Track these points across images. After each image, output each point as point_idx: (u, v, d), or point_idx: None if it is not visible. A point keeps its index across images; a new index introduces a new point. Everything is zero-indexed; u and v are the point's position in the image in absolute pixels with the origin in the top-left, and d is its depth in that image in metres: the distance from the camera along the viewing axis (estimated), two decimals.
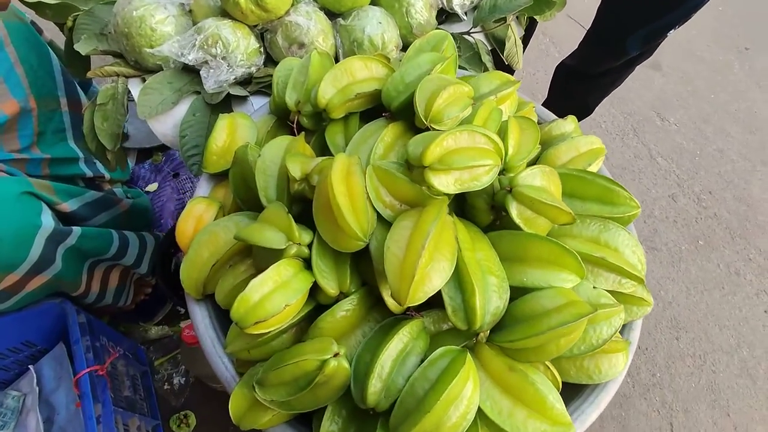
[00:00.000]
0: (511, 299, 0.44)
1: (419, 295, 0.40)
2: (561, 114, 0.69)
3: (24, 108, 0.83)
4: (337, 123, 0.58)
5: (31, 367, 0.91)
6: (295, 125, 0.60)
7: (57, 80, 0.91)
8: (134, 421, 0.87)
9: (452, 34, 0.83)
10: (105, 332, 0.93)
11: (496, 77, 0.64)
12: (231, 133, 0.63)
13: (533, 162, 0.61)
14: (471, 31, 0.86)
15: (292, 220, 0.46)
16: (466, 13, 0.86)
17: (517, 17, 0.89)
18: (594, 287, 0.48)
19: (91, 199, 0.87)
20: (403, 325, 0.44)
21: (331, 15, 0.80)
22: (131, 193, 1.15)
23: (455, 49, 0.64)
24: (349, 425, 0.45)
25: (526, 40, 1.19)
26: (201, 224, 0.56)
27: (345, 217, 0.42)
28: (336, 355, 0.42)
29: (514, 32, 0.85)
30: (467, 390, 0.40)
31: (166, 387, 1.05)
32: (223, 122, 0.63)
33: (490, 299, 0.43)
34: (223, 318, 0.54)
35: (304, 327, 0.49)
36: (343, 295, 0.47)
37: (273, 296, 0.43)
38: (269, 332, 0.45)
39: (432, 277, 0.41)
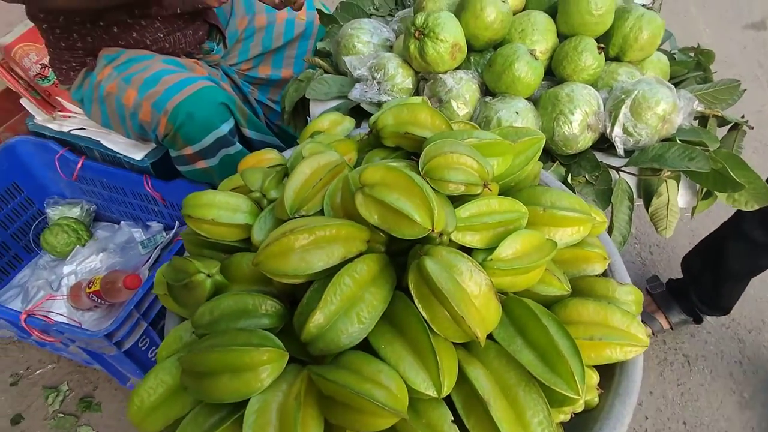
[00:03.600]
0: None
1: None
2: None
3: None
4: (384, 150, 0.63)
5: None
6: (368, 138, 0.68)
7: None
8: None
9: (600, 163, 0.77)
10: None
11: (577, 203, 0.57)
12: (332, 126, 0.75)
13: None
14: (621, 168, 0.77)
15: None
16: (626, 151, 0.77)
17: (689, 181, 0.75)
18: None
19: (267, 140, 1.14)
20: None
21: (489, 93, 0.84)
22: None
23: (536, 155, 0.59)
24: None
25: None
26: (258, 163, 0.68)
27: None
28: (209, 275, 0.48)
29: (669, 193, 0.72)
30: None
31: None
32: (334, 116, 0.75)
33: None
34: None
35: None
36: None
37: None
38: None
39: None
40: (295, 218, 0.48)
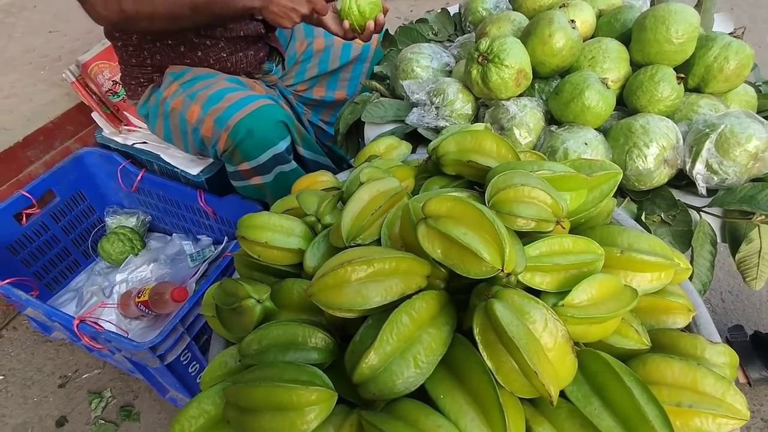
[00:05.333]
0: None
1: None
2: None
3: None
4: (444, 177, 0.60)
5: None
6: (426, 164, 0.65)
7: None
8: None
9: (678, 201, 0.71)
10: None
11: (658, 246, 0.51)
12: (389, 150, 0.73)
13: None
14: (703, 208, 0.69)
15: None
16: (708, 190, 0.70)
17: None
18: None
19: (320, 160, 1.14)
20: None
21: (554, 121, 0.80)
22: None
23: (612, 191, 0.54)
24: None
25: None
26: (312, 184, 0.67)
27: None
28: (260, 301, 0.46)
29: (762, 239, 0.64)
30: None
31: None
32: (390, 140, 0.73)
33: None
34: None
35: None
36: None
37: None
38: None
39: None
40: (351, 247, 0.46)
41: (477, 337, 0.38)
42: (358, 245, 0.47)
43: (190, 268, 1.26)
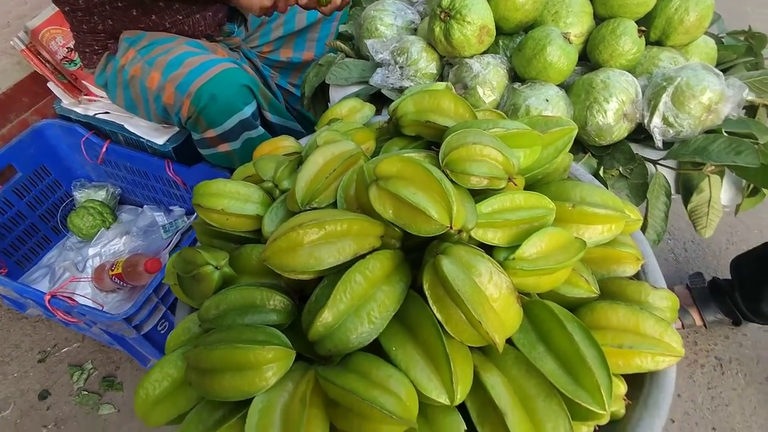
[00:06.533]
0: None
1: None
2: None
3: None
4: (404, 139, 0.60)
5: None
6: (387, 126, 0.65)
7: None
8: None
9: (636, 155, 0.72)
10: None
11: (609, 199, 0.53)
12: (351, 113, 0.72)
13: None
14: (659, 161, 0.71)
15: None
16: (664, 143, 0.71)
17: (734, 176, 0.69)
18: None
19: (288, 125, 1.12)
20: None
21: (518, 79, 0.80)
22: None
23: (566, 147, 0.55)
24: None
25: None
26: (274, 150, 0.66)
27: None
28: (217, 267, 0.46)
29: (711, 189, 0.66)
30: None
31: None
32: (353, 102, 0.72)
33: None
34: None
35: None
36: None
37: None
38: None
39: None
40: (306, 210, 0.46)
41: (427, 292, 0.39)
42: (314, 209, 0.47)
43: (164, 240, 1.26)
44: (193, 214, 1.28)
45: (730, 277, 1.07)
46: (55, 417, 1.09)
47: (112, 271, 1.13)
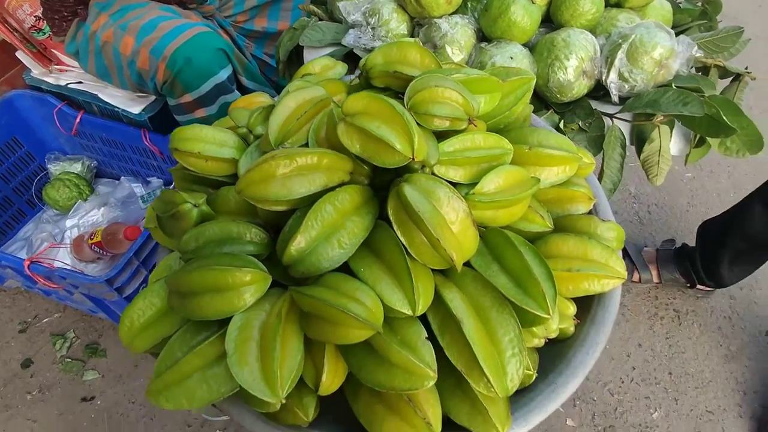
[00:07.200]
0: None
1: None
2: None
3: None
4: (373, 90, 0.62)
5: None
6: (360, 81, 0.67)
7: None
8: None
9: (594, 110, 0.76)
10: None
11: (564, 143, 0.56)
12: (324, 70, 0.74)
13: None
14: (615, 114, 0.76)
15: None
16: (620, 98, 0.76)
17: (682, 127, 0.74)
18: None
19: (264, 90, 1.13)
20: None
21: (485, 39, 0.83)
22: None
23: (526, 95, 0.59)
24: None
25: None
26: (249, 105, 0.68)
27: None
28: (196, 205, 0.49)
29: (662, 139, 0.71)
30: None
31: None
32: (326, 60, 0.75)
33: None
34: None
35: None
36: None
37: None
38: None
39: None
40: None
41: (391, 218, 0.43)
42: (286, 149, 0.50)
43: (142, 210, 1.26)
44: (171, 184, 1.29)
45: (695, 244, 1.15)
46: (39, 384, 1.11)
47: (91, 240, 1.14)
